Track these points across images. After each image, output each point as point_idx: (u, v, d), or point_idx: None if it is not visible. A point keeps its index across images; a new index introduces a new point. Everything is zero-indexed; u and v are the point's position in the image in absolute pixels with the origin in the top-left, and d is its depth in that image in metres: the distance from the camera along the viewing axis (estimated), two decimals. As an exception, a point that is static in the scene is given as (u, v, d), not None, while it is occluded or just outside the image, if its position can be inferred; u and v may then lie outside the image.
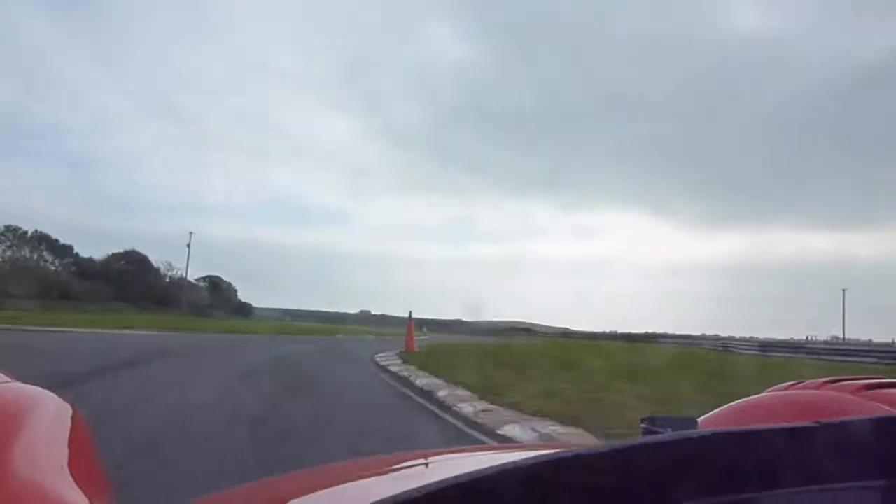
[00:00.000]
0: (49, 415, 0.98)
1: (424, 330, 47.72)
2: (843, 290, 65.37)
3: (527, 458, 0.42)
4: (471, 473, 0.41)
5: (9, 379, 1.07)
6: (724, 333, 51.50)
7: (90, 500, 0.76)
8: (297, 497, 0.78)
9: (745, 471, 0.49)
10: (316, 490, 0.81)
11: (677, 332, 56.80)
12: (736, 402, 1.41)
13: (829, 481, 0.50)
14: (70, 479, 0.79)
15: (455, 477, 0.41)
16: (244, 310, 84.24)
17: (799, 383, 1.65)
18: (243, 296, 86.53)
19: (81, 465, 0.89)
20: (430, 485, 0.41)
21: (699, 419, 1.10)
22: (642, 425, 0.90)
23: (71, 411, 1.04)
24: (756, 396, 1.51)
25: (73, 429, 0.98)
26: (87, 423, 1.04)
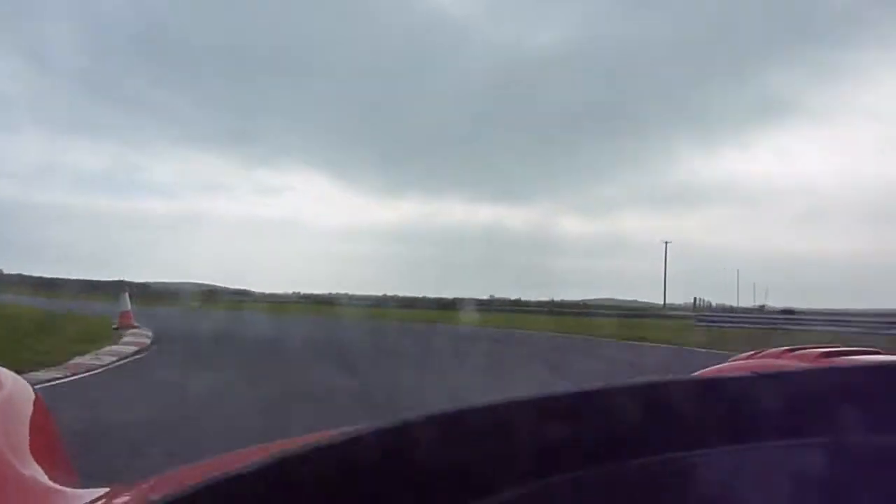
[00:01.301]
0: (7, 395, 0.96)
1: None
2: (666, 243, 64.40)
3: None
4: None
5: None
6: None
7: (54, 482, 0.74)
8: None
9: (660, 428, 0.47)
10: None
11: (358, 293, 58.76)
12: (698, 372, 1.44)
13: (767, 438, 0.49)
14: (32, 460, 0.78)
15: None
16: None
17: (760, 352, 1.71)
18: None
19: (44, 446, 0.87)
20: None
21: None
22: None
23: (33, 395, 1.01)
24: (718, 366, 1.56)
25: (34, 410, 0.96)
26: (46, 405, 1.02)
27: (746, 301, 53.51)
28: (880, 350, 1.52)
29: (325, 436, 0.42)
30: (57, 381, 8.17)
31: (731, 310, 42.09)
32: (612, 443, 0.46)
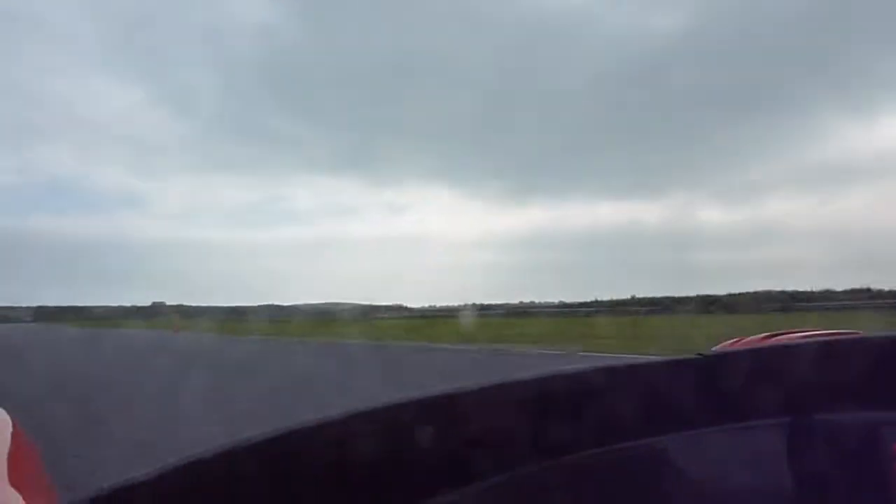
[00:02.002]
0: None
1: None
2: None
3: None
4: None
5: None
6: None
7: None
8: None
9: (621, 414, 0.47)
10: None
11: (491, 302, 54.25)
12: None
13: (728, 420, 0.49)
14: (11, 489, 0.77)
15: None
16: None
17: (743, 339, 1.61)
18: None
19: (24, 474, 0.86)
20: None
21: None
22: None
23: (10, 422, 1.01)
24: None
25: (14, 441, 0.95)
26: (27, 435, 1.01)
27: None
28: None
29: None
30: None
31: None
32: (581, 430, 0.46)
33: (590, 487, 0.45)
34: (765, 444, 0.49)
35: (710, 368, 0.50)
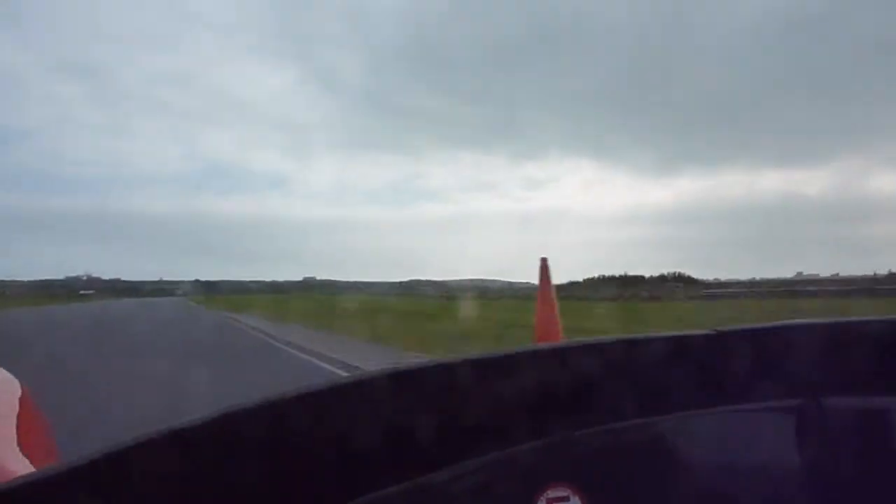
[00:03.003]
0: None
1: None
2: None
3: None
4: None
5: None
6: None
7: None
8: None
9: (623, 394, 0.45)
10: None
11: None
12: None
13: (733, 401, 0.47)
14: (22, 456, 0.77)
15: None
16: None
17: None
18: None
19: (33, 441, 0.87)
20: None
21: None
22: None
23: (20, 389, 1.01)
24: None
25: (22, 407, 0.96)
26: (34, 400, 1.02)
27: None
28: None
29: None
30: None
31: None
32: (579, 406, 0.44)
33: (586, 466, 0.44)
34: (771, 427, 0.49)
35: (718, 346, 0.49)
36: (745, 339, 0.49)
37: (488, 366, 0.42)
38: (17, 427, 0.87)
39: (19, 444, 0.81)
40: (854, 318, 0.51)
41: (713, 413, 0.47)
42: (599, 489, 0.43)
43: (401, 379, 0.40)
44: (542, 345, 0.46)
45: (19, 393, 1.00)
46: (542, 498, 0.42)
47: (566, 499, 0.42)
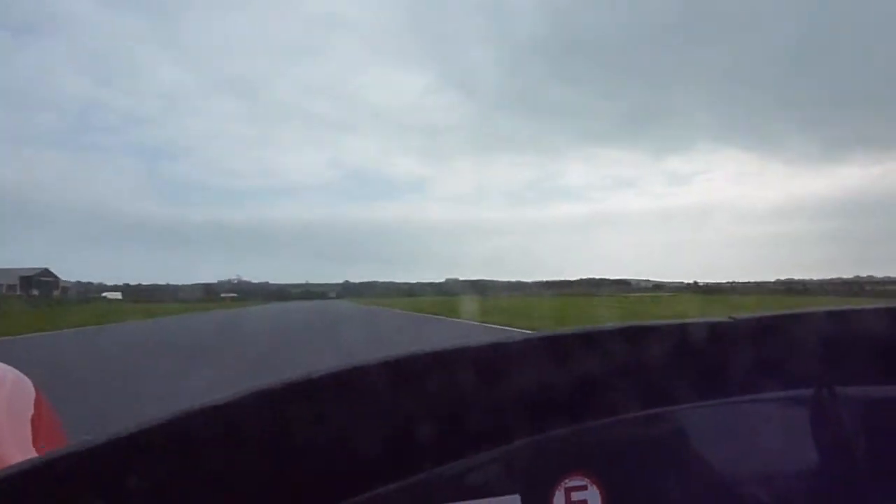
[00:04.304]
0: (8, 392, 0.98)
1: None
2: None
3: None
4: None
5: None
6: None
7: None
8: None
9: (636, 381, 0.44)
10: None
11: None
12: None
13: (753, 390, 0.47)
14: (36, 455, 0.75)
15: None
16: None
17: None
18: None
19: (47, 442, 0.87)
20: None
21: None
22: None
23: (34, 390, 1.01)
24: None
25: (36, 407, 0.97)
26: (47, 399, 1.03)
27: None
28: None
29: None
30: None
31: None
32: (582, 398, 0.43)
33: (603, 455, 0.44)
34: (785, 416, 0.48)
35: (733, 333, 0.48)
36: (760, 327, 0.48)
37: (490, 355, 0.42)
38: (32, 426, 0.89)
39: (35, 447, 0.82)
40: (868, 307, 0.50)
41: (727, 402, 0.46)
42: (616, 478, 0.44)
43: (398, 368, 0.41)
44: (554, 331, 0.45)
45: (33, 394, 1.00)
46: (560, 486, 0.43)
47: (584, 487, 0.43)
